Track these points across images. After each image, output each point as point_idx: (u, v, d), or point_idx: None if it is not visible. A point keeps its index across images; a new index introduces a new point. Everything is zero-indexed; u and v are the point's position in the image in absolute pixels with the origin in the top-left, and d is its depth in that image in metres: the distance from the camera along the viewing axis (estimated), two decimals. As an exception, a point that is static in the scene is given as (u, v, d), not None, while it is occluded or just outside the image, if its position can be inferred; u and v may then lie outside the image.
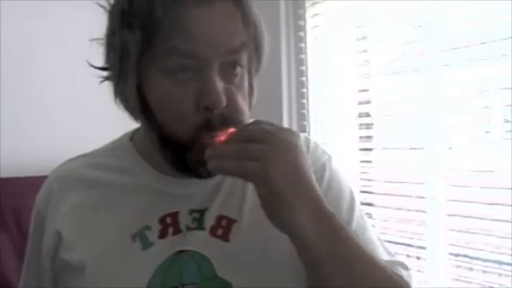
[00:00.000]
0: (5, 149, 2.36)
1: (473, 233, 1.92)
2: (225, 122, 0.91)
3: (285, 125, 2.49)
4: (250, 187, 0.98)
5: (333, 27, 2.42)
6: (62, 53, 2.45)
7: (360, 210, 1.07)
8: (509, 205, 1.78)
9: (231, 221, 0.99)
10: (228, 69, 0.93)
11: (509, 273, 1.81)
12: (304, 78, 2.51)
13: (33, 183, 1.17)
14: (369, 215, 2.32)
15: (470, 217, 1.92)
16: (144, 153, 1.05)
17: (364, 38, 2.36)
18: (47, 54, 2.51)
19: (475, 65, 1.88)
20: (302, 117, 2.52)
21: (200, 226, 0.99)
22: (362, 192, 2.34)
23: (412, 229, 2.15)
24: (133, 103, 0.96)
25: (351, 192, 1.07)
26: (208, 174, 0.94)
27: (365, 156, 2.36)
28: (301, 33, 2.50)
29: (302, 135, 1.07)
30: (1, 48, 2.40)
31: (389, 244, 2.24)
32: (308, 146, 1.07)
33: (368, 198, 2.33)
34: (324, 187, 1.02)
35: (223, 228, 0.99)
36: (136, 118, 1.00)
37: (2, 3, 2.40)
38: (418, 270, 2.11)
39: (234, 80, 0.94)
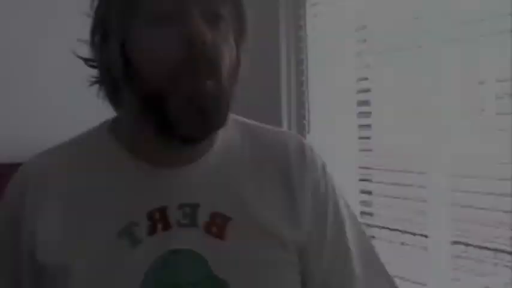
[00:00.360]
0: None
1: (474, 222, 1.92)
2: (209, 64, 0.88)
3: (284, 111, 2.50)
4: (244, 185, 0.97)
5: (333, 18, 2.41)
6: (55, 40, 2.44)
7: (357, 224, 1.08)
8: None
9: (226, 219, 0.95)
10: (211, 20, 0.89)
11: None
12: (303, 67, 2.50)
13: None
14: (368, 204, 2.33)
15: (471, 207, 1.92)
16: (125, 142, 0.98)
17: (364, 27, 2.36)
18: (38, 41, 2.51)
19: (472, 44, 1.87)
20: (301, 106, 2.52)
21: (193, 223, 0.94)
22: (361, 180, 2.34)
23: (412, 218, 2.15)
24: (117, 66, 0.91)
25: (348, 207, 1.07)
26: (193, 133, 0.90)
27: (364, 145, 2.35)
28: (301, 22, 2.50)
29: (296, 139, 1.06)
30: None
31: (388, 232, 2.27)
32: (304, 154, 1.03)
33: (368, 186, 2.34)
34: (321, 201, 1.01)
35: (218, 226, 0.94)
36: (116, 102, 0.97)
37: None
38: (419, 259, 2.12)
39: (219, 32, 0.90)
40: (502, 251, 1.82)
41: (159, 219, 0.93)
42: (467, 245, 1.93)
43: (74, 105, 2.22)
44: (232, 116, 1.01)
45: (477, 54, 1.89)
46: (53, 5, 2.50)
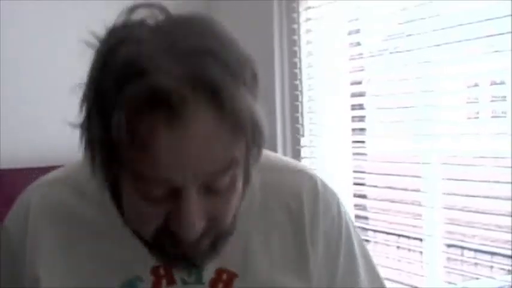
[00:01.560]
0: (4, 141, 2.36)
1: (469, 225, 1.92)
2: (197, 238, 0.79)
3: (278, 116, 2.50)
4: (252, 236, 0.91)
5: (326, 22, 2.41)
6: (62, 44, 2.43)
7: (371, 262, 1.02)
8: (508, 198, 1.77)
9: (232, 275, 0.90)
10: (213, 185, 0.77)
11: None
12: (297, 70, 2.50)
13: (29, 174, 1.04)
14: (363, 207, 2.32)
15: (466, 210, 1.92)
16: None
17: (358, 31, 2.36)
18: (46, 44, 2.50)
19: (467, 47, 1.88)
20: (295, 109, 2.51)
21: (198, 280, 0.89)
22: (355, 184, 2.34)
23: (407, 221, 2.15)
24: (106, 188, 0.84)
25: (361, 245, 1.01)
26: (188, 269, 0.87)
27: (359, 149, 2.35)
28: (295, 26, 2.50)
29: (309, 183, 0.97)
30: (1, 39, 2.40)
31: (383, 235, 2.27)
32: (317, 202, 0.95)
33: (362, 190, 2.34)
34: (333, 251, 0.95)
35: (224, 282, 0.89)
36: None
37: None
38: (409, 262, 2.12)
39: (221, 190, 0.78)
40: (498, 254, 1.82)
41: (163, 275, 0.88)
42: (463, 248, 1.94)
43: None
44: None
45: (471, 57, 1.89)
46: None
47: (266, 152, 0.96)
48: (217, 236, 0.82)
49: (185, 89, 0.71)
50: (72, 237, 0.90)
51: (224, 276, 0.89)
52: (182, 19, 0.78)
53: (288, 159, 1.08)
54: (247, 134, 0.76)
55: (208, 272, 0.89)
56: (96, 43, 0.78)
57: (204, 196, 0.76)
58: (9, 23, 2.43)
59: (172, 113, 0.71)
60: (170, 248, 0.81)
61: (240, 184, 0.81)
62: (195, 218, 0.76)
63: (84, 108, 0.78)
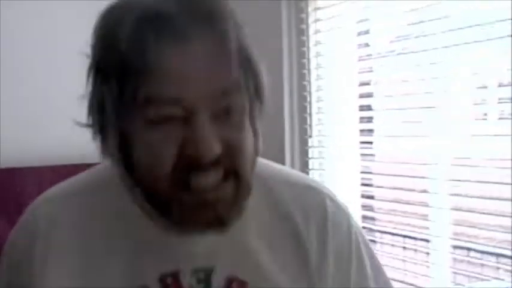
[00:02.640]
0: (5, 140, 2.36)
1: (476, 227, 1.92)
2: (218, 166, 0.79)
3: (286, 117, 2.50)
4: (263, 242, 0.91)
5: (335, 23, 2.42)
6: (62, 43, 2.45)
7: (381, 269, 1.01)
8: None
9: (243, 284, 0.89)
10: (222, 116, 0.80)
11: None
12: (305, 71, 2.50)
13: (34, 173, 1.07)
14: (370, 208, 2.33)
15: (473, 211, 1.92)
16: (135, 195, 0.88)
17: (367, 32, 2.36)
18: (47, 44, 2.51)
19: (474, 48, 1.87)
20: (303, 110, 2.52)
21: None
22: (363, 185, 2.34)
23: (414, 222, 2.15)
24: (116, 160, 0.85)
25: (372, 257, 0.99)
26: (202, 231, 0.84)
27: (366, 150, 2.36)
28: (303, 26, 2.50)
29: (318, 197, 0.97)
30: (1, 39, 2.42)
31: (390, 236, 2.27)
32: (326, 217, 0.95)
33: (369, 191, 2.34)
34: (344, 265, 0.95)
35: None
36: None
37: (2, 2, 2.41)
38: (416, 263, 2.12)
39: (232, 120, 0.81)
40: (504, 256, 1.82)
41: (171, 285, 0.88)
42: (469, 249, 1.93)
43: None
44: None
45: (480, 59, 1.89)
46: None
47: (281, 167, 1.03)
48: (237, 185, 0.81)
49: (187, 12, 0.79)
50: (79, 250, 0.90)
51: (234, 285, 0.88)
52: None
53: (302, 174, 1.10)
54: (243, 66, 0.81)
55: (218, 281, 0.88)
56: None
57: (215, 123, 0.78)
58: (9, 24, 2.45)
59: (176, 32, 0.78)
60: (189, 196, 0.79)
61: (247, 125, 0.83)
62: (210, 138, 0.77)
63: (91, 72, 0.83)
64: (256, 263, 0.90)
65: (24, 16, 2.48)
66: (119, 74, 0.79)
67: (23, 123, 2.45)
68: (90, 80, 0.83)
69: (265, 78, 0.86)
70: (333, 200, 0.98)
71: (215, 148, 0.77)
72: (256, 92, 0.85)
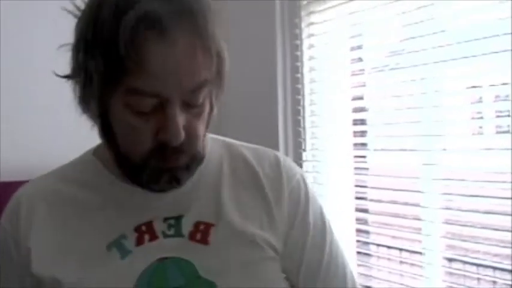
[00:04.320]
0: (5, 153, 2.36)
1: (468, 240, 1.93)
2: (179, 151, 0.96)
3: (280, 130, 2.52)
4: (224, 195, 1.06)
5: (328, 38, 2.44)
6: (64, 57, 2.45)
7: (331, 229, 1.15)
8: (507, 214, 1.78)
9: (209, 225, 1.02)
10: (190, 102, 0.95)
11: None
12: (299, 85, 2.52)
13: None
14: (364, 221, 2.34)
15: (469, 225, 1.93)
16: (109, 167, 1.07)
17: (359, 47, 2.38)
18: (47, 58, 2.49)
19: (469, 62, 1.89)
20: (297, 124, 2.53)
21: (178, 233, 1.01)
22: (357, 198, 2.35)
23: (408, 235, 2.16)
24: (97, 124, 1.01)
25: (322, 213, 1.15)
26: (165, 190, 1.03)
27: (360, 164, 2.37)
28: (297, 42, 2.52)
29: (273, 153, 1.16)
30: (1, 52, 2.41)
31: (384, 249, 2.28)
32: (279, 167, 1.12)
33: (363, 204, 2.34)
34: (299, 210, 1.10)
35: (202, 232, 1.01)
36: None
37: (2, 3, 2.41)
38: (411, 277, 2.13)
39: (196, 110, 0.97)
40: (501, 269, 1.83)
41: (145, 231, 1.01)
42: (464, 263, 1.95)
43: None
44: (212, 136, 1.13)
45: (475, 73, 1.91)
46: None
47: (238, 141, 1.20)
48: (192, 157, 1.00)
49: (172, 13, 0.89)
50: (60, 214, 1.04)
51: (201, 227, 1.02)
52: None
53: None
54: (214, 60, 0.95)
55: (187, 226, 1.02)
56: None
57: (183, 112, 0.94)
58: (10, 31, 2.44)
59: (163, 31, 0.88)
60: (157, 162, 0.96)
61: (207, 106, 1.00)
62: (179, 125, 0.93)
63: (79, 48, 0.95)
64: (219, 208, 1.04)
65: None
66: (107, 56, 0.90)
67: (23, 136, 2.45)
68: (77, 47, 0.96)
69: (228, 63, 1.00)
70: (286, 158, 1.18)
71: (181, 135, 0.93)
72: (218, 75, 0.99)
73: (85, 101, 0.98)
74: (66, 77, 0.99)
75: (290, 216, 1.08)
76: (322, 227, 1.12)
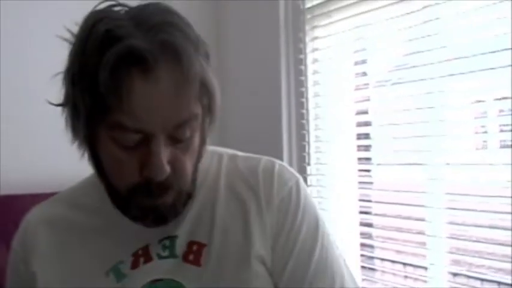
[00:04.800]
0: (6, 166, 2.36)
1: (473, 255, 1.92)
2: (165, 186, 0.95)
3: (284, 145, 2.52)
4: (218, 211, 1.05)
5: (332, 53, 2.45)
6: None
7: (325, 236, 1.10)
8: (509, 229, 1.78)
9: (201, 246, 1.02)
10: (176, 136, 0.94)
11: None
12: (304, 100, 2.52)
13: (35, 200, 1.19)
14: (369, 236, 2.33)
15: (473, 240, 1.92)
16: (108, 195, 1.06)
17: (364, 61, 2.39)
18: (46, 72, 2.50)
19: (472, 77, 1.89)
20: (301, 138, 2.53)
21: (172, 254, 1.02)
22: (361, 213, 2.35)
23: (412, 250, 2.16)
24: (86, 153, 1.01)
25: (316, 220, 1.10)
26: (153, 227, 1.01)
27: (365, 178, 2.37)
28: (301, 56, 2.53)
29: (267, 161, 1.13)
30: (1, 52, 2.41)
31: (389, 264, 2.27)
32: (272, 174, 1.10)
33: (367, 219, 2.34)
34: (288, 219, 1.06)
35: (194, 253, 1.02)
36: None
37: (2, 3, 2.41)
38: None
39: (182, 144, 0.95)
40: (506, 284, 1.82)
41: (141, 255, 1.03)
42: (469, 277, 1.94)
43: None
44: (211, 149, 1.12)
45: (479, 87, 1.91)
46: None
47: (239, 152, 1.19)
48: (180, 191, 0.98)
49: (156, 50, 0.88)
50: (64, 240, 1.07)
51: (194, 248, 1.02)
52: (146, 4, 0.95)
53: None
54: (202, 94, 0.94)
55: (181, 246, 1.02)
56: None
57: (168, 147, 0.93)
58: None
59: (146, 68, 0.87)
60: (143, 199, 0.96)
61: (196, 140, 0.98)
62: (163, 160, 0.91)
63: (67, 80, 0.95)
64: (212, 227, 1.03)
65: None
66: (91, 91, 0.89)
67: (23, 150, 2.45)
68: (66, 80, 0.96)
69: (219, 95, 0.99)
70: (283, 165, 1.13)
71: (165, 171, 0.92)
72: (210, 108, 0.98)
73: (74, 130, 0.98)
74: (59, 105, 0.99)
75: (279, 225, 1.05)
76: (314, 236, 1.08)
